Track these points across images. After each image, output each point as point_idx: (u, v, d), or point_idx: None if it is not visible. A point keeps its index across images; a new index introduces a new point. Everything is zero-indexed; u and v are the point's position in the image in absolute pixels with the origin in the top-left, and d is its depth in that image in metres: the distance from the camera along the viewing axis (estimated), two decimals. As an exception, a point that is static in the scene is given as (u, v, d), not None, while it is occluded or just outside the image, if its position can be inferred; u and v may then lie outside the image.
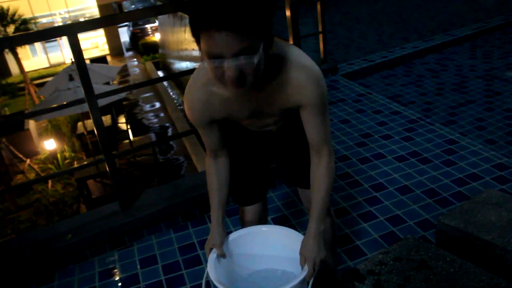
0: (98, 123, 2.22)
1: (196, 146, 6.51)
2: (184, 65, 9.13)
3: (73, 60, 2.16)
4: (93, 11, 18.11)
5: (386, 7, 8.87)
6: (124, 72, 14.63)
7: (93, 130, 2.44)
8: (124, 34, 20.00)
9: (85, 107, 2.25)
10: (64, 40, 15.43)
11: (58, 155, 7.31)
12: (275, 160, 1.64)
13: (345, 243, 2.17)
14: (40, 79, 14.24)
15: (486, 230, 1.75)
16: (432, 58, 5.11)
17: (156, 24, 16.20)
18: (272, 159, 1.64)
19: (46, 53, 18.52)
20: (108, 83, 7.67)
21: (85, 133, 6.43)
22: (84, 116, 6.51)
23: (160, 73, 12.54)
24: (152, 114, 9.85)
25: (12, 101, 12.43)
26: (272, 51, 1.14)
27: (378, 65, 4.86)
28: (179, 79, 9.04)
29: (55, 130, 9.04)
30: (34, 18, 15.72)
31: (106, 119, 7.15)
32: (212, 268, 1.29)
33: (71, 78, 5.94)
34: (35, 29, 14.32)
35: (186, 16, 8.03)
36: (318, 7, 4.17)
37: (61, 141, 8.24)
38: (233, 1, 0.95)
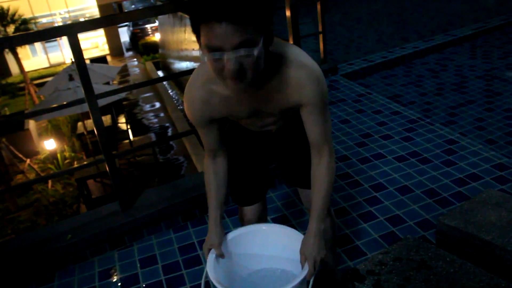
0: (98, 123, 2.22)
1: (196, 146, 6.50)
2: (184, 65, 9.13)
3: (73, 60, 2.16)
4: (93, 11, 18.11)
5: (386, 7, 8.87)
6: (124, 72, 14.63)
7: (93, 130, 2.44)
8: (124, 34, 20.00)
9: (85, 107, 2.25)
10: (64, 40, 15.43)
11: (58, 155, 7.31)
12: (274, 160, 1.64)
13: (345, 243, 2.17)
14: (40, 79, 14.24)
15: (486, 230, 1.75)
16: (432, 58, 5.11)
17: (156, 24, 16.20)
18: (272, 159, 1.64)
19: (46, 53, 18.52)
20: (108, 83, 7.68)
21: (85, 133, 6.43)
22: (84, 116, 6.51)
23: (160, 73, 12.53)
24: (152, 114, 9.85)
25: (12, 101, 12.43)
26: (272, 49, 1.14)
27: (378, 65, 4.86)
28: (179, 79, 9.04)
29: (55, 130, 9.04)
30: (34, 18, 15.72)
31: (106, 119, 7.15)
32: (211, 268, 1.29)
33: (71, 78, 5.95)
34: (35, 29, 14.33)
35: (186, 16, 8.03)
36: (318, 7, 4.18)
37: (61, 141, 8.24)
38: None
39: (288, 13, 2.76)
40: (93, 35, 19.25)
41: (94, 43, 19.46)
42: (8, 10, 12.82)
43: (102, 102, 4.95)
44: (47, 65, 17.85)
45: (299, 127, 1.43)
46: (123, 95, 8.39)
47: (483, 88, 4.08)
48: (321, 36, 4.32)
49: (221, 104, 1.25)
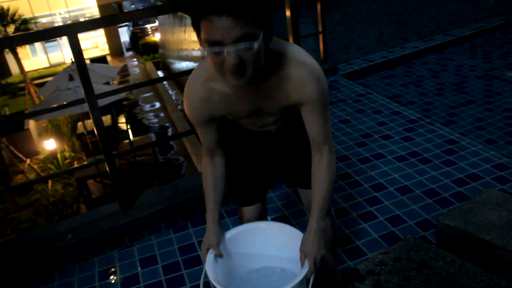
0: (98, 123, 2.22)
1: (196, 146, 6.50)
2: (184, 65, 9.13)
3: (73, 60, 2.16)
4: (93, 11, 18.10)
5: (386, 7, 8.87)
6: (124, 72, 14.63)
7: (93, 130, 2.44)
8: (124, 34, 19.99)
9: (85, 107, 2.25)
10: (64, 40, 15.43)
11: (58, 155, 7.31)
12: (274, 160, 1.64)
13: (345, 243, 2.17)
14: (40, 79, 14.23)
15: (486, 230, 1.75)
16: (432, 58, 5.11)
17: (156, 24, 16.20)
18: (272, 160, 1.64)
19: (46, 53, 18.51)
20: (108, 83, 7.67)
21: (85, 133, 6.42)
22: (84, 116, 6.51)
23: (160, 73, 12.53)
24: (152, 114, 9.85)
25: (12, 101, 12.43)
26: (272, 48, 1.14)
27: (378, 65, 4.86)
28: (179, 79, 9.04)
29: (55, 130, 9.03)
30: (34, 18, 15.71)
31: (106, 119, 7.14)
32: (210, 268, 1.28)
33: (71, 78, 5.94)
34: (35, 29, 14.32)
35: (186, 16, 8.04)
36: (318, 7, 4.18)
37: (61, 141, 8.24)
38: None
39: (288, 13, 2.76)
40: (93, 35, 19.24)
41: (94, 43, 19.46)
42: (8, 10, 12.82)
43: (102, 102, 4.95)
44: (47, 65, 17.85)
45: (299, 127, 1.42)
46: (123, 95, 8.39)
47: (483, 88, 4.08)
48: (321, 36, 4.32)
49: (221, 103, 1.24)
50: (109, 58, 15.22)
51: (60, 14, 19.21)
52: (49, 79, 8.77)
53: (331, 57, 5.15)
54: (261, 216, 1.66)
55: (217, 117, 1.31)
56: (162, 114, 9.55)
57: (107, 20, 2.75)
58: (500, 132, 3.23)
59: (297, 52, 1.20)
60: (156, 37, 15.49)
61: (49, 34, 2.29)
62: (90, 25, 2.27)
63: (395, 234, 2.18)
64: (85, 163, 4.21)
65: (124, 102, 9.90)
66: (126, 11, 14.04)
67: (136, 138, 7.74)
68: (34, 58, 18.83)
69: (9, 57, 14.73)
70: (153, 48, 14.99)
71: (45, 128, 9.42)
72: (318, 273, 1.78)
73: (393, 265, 1.64)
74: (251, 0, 0.97)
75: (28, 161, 7.29)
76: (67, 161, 7.40)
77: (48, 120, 8.80)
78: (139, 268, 2.22)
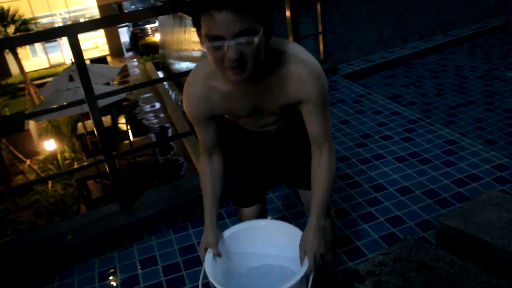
0: (98, 123, 2.22)
1: (196, 146, 6.49)
2: (184, 65, 9.12)
3: (73, 60, 2.16)
4: (93, 12, 18.10)
5: (386, 8, 8.87)
6: (124, 72, 14.62)
7: (93, 131, 2.44)
8: (124, 35, 19.99)
9: (85, 107, 2.25)
10: (64, 41, 15.43)
11: (58, 156, 7.31)
12: (274, 161, 1.64)
13: (345, 244, 2.17)
14: (40, 80, 14.23)
15: (486, 231, 1.74)
16: (432, 59, 5.11)
17: (156, 24, 16.20)
18: (272, 160, 1.64)
19: (46, 53, 18.50)
20: (108, 84, 7.67)
21: (85, 133, 6.42)
22: (84, 117, 6.51)
23: (160, 74, 12.53)
24: (152, 114, 9.84)
25: (12, 101, 12.42)
26: (272, 46, 1.14)
27: (378, 65, 4.86)
28: (179, 79, 9.04)
29: (55, 131, 9.03)
30: (34, 18, 15.69)
31: (106, 120, 7.14)
32: (209, 267, 1.28)
33: (71, 79, 5.94)
34: (35, 29, 14.33)
35: (186, 16, 8.04)
36: (318, 7, 4.18)
37: (61, 141, 8.23)
38: None
39: (288, 13, 2.76)
40: (93, 35, 19.24)
41: (94, 44, 19.45)
42: (8, 10, 12.82)
43: (102, 102, 4.95)
44: (47, 65, 17.84)
45: (299, 128, 1.42)
46: (123, 95, 8.38)
47: (483, 89, 4.08)
48: (321, 37, 4.32)
49: (221, 101, 1.24)
50: (109, 58, 15.21)
51: (60, 14, 19.21)
52: (49, 79, 8.78)
53: (331, 58, 5.15)
54: (261, 217, 1.66)
55: (217, 115, 1.31)
56: (162, 115, 9.55)
57: (107, 20, 2.75)
58: (500, 133, 3.23)
59: (297, 50, 1.20)
60: (156, 37, 15.49)
61: (49, 34, 2.28)
62: (90, 25, 2.27)
63: (395, 235, 2.18)
64: (85, 163, 4.22)
65: (124, 103, 9.90)
66: (126, 11, 14.05)
67: (136, 139, 7.73)
68: (34, 59, 18.84)
69: (9, 58, 14.73)
70: (153, 48, 14.99)
71: (45, 128, 9.42)
72: (318, 274, 1.78)
73: (393, 266, 1.64)
74: None
75: (28, 161, 7.29)
76: (67, 161, 7.40)
77: (48, 120, 8.80)
78: (139, 269, 2.21)
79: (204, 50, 1.06)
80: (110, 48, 17.42)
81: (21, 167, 7.21)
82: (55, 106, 2.55)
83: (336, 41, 6.30)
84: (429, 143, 2.99)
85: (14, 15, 12.92)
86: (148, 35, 17.57)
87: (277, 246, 1.40)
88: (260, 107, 1.27)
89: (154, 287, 2.09)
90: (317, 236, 1.28)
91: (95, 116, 2.20)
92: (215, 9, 0.97)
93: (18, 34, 11.71)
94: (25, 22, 13.23)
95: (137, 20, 15.79)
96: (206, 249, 1.34)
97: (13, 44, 2.72)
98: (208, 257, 1.31)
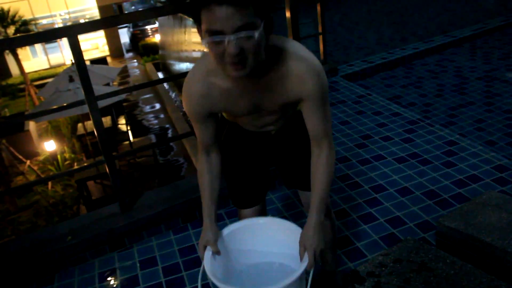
0: (98, 124, 2.22)
1: (196, 147, 6.49)
2: (184, 66, 9.12)
3: (73, 61, 2.17)
4: (93, 12, 18.12)
5: (386, 8, 8.87)
6: (124, 73, 14.63)
7: (93, 131, 2.44)
8: (124, 35, 19.99)
9: (85, 108, 2.25)
10: (64, 41, 15.42)
11: (58, 156, 7.31)
12: (274, 162, 1.64)
13: (345, 244, 2.17)
14: (40, 80, 14.23)
15: (486, 232, 1.74)
16: (432, 59, 5.11)
17: (156, 25, 16.20)
18: (271, 162, 1.64)
19: (46, 54, 18.52)
20: (108, 84, 7.67)
21: (85, 134, 6.42)
22: (84, 117, 6.51)
23: (160, 74, 12.53)
24: (152, 115, 9.85)
25: (12, 102, 12.43)
26: (272, 43, 1.15)
27: (378, 66, 4.87)
28: (179, 80, 9.03)
29: (55, 131, 9.03)
30: (35, 19, 15.71)
31: (106, 120, 7.14)
32: (208, 264, 1.27)
33: (71, 79, 5.95)
34: (36, 30, 14.33)
35: (186, 17, 8.04)
36: (318, 8, 4.18)
37: (61, 142, 8.23)
38: None
39: (288, 14, 2.76)
40: (93, 36, 19.25)
41: (94, 44, 19.47)
42: (8, 11, 12.84)
43: (102, 103, 4.94)
44: (47, 66, 17.85)
45: (299, 129, 1.42)
46: (123, 96, 8.38)
47: (483, 89, 4.08)
48: (321, 37, 4.33)
49: (220, 98, 1.23)
50: (109, 59, 15.22)
51: (60, 15, 19.23)
52: (49, 80, 8.78)
53: (331, 58, 5.15)
54: (261, 218, 1.66)
55: (216, 113, 1.31)
56: (162, 115, 9.55)
57: (107, 21, 2.75)
58: (500, 133, 3.23)
59: (297, 48, 1.20)
60: (156, 38, 15.50)
61: (49, 35, 2.29)
62: (90, 26, 2.27)
63: (395, 236, 2.18)
64: (85, 164, 4.21)
65: (124, 103, 9.90)
66: (126, 12, 14.05)
67: (136, 139, 7.73)
68: (34, 59, 18.86)
69: (9, 58, 14.75)
70: (153, 49, 14.99)
71: (45, 129, 9.42)
72: (318, 275, 1.78)
73: (393, 267, 1.64)
74: None
75: (28, 162, 7.29)
76: (67, 162, 7.40)
77: (48, 121, 8.80)
78: (139, 270, 2.21)
79: (204, 47, 1.06)
80: (110, 49, 17.43)
81: (21, 167, 7.21)
82: (55, 106, 2.55)
83: (336, 42, 6.30)
84: (429, 144, 2.99)
85: (14, 16, 12.94)
86: (148, 36, 17.58)
87: (277, 244, 1.40)
88: (259, 105, 1.27)
89: (154, 288, 2.09)
90: (317, 232, 1.27)
91: (95, 116, 2.20)
92: (216, 3, 0.97)
93: (18, 35, 11.72)
94: (25, 23, 13.25)
95: (137, 21, 15.80)
96: (205, 247, 1.33)
97: (13, 45, 2.73)
98: (207, 255, 1.31)
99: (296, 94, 1.20)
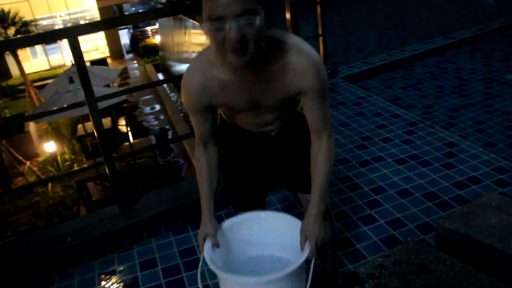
0: (98, 125, 2.22)
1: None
2: (184, 67, 9.11)
3: (74, 62, 2.17)
4: (94, 13, 18.13)
5: (385, 10, 8.88)
6: (124, 74, 14.63)
7: (93, 132, 2.44)
8: (125, 36, 20.00)
9: (85, 109, 2.25)
10: (64, 42, 15.40)
11: (58, 157, 7.31)
12: (274, 164, 1.64)
13: (345, 246, 2.17)
14: (41, 81, 14.22)
15: (486, 234, 1.74)
16: (432, 61, 5.12)
17: (157, 26, 16.21)
18: (271, 164, 1.63)
19: (46, 55, 18.52)
20: (108, 86, 7.67)
21: (85, 135, 6.42)
22: (84, 118, 6.50)
23: (160, 76, 12.54)
24: (152, 116, 9.85)
25: (13, 103, 12.43)
26: (272, 36, 1.15)
27: (378, 67, 4.87)
28: (179, 81, 9.00)
29: (55, 132, 9.03)
30: (35, 20, 15.73)
31: (106, 122, 7.14)
32: (208, 256, 1.27)
33: (71, 80, 5.94)
34: (36, 31, 14.34)
35: (186, 18, 8.05)
36: (318, 9, 4.18)
37: (61, 143, 8.23)
38: None
39: (288, 15, 2.76)
40: (93, 37, 19.25)
41: (95, 45, 19.47)
42: (8, 12, 12.85)
43: (102, 104, 4.95)
44: (47, 67, 17.85)
45: (298, 131, 1.42)
46: (123, 97, 8.38)
47: (483, 91, 4.08)
48: (321, 39, 4.33)
49: (219, 90, 1.23)
50: (109, 60, 15.23)
51: (60, 16, 19.24)
52: (50, 81, 8.78)
53: (331, 60, 5.16)
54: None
55: (215, 105, 1.31)
56: (162, 117, 9.55)
57: (108, 22, 2.75)
58: (500, 135, 3.23)
59: (297, 41, 1.21)
60: (156, 39, 15.51)
61: (49, 36, 2.29)
62: (91, 28, 2.27)
63: (395, 237, 2.18)
64: (85, 165, 4.21)
65: (124, 105, 9.91)
66: (126, 13, 14.07)
67: (136, 141, 7.73)
68: (35, 60, 18.86)
69: (10, 59, 14.76)
70: (153, 50, 15.00)
71: (45, 130, 9.42)
72: (318, 277, 1.78)
73: (393, 269, 1.64)
74: None
75: (28, 163, 7.29)
76: (67, 163, 7.40)
77: (48, 122, 8.79)
78: (139, 271, 2.21)
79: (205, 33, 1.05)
80: (110, 50, 17.44)
81: (21, 168, 7.21)
82: (55, 108, 2.55)
83: (336, 44, 6.31)
84: (429, 146, 2.99)
85: (14, 17, 12.95)
86: (148, 37, 17.60)
87: (277, 236, 1.39)
88: (259, 100, 1.26)
89: (154, 289, 2.09)
90: (318, 222, 1.28)
91: (95, 118, 2.20)
92: None
93: (18, 36, 11.73)
94: (26, 24, 13.26)
95: (137, 22, 15.81)
96: (204, 239, 1.33)
97: (14, 46, 2.73)
98: (207, 246, 1.30)
99: (296, 87, 1.21)
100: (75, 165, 7.17)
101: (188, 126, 7.43)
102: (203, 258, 1.29)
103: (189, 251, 2.30)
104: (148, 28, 17.84)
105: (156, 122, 9.47)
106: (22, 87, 12.77)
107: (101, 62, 11.52)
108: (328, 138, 1.31)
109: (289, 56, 1.17)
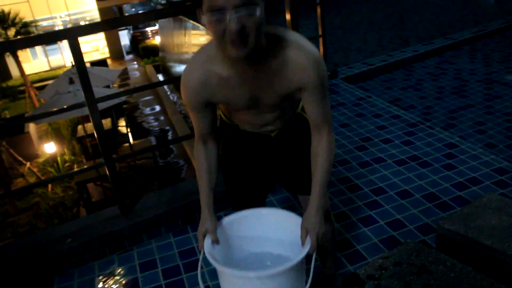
0: (98, 126, 2.22)
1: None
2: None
3: (74, 63, 2.17)
4: (94, 14, 18.13)
5: (385, 11, 8.89)
6: (124, 75, 14.63)
7: (93, 133, 2.45)
8: (125, 37, 20.01)
9: (85, 110, 2.25)
10: (64, 43, 15.43)
11: (58, 158, 7.31)
12: (274, 166, 1.64)
13: (345, 247, 2.16)
14: (41, 82, 14.22)
15: (486, 235, 1.74)
16: (432, 62, 5.12)
17: (157, 27, 16.22)
18: (271, 166, 1.63)
19: (46, 56, 18.52)
20: (108, 86, 7.67)
21: (85, 136, 6.42)
22: (84, 119, 6.50)
23: (160, 77, 12.54)
24: (152, 117, 9.85)
25: (13, 104, 12.43)
26: (272, 32, 1.16)
27: (378, 68, 4.87)
28: (179, 82, 8.99)
29: (55, 133, 9.02)
30: (35, 21, 15.75)
31: (106, 122, 7.13)
32: (208, 251, 1.26)
33: (71, 81, 5.94)
34: (36, 32, 14.35)
35: (187, 19, 8.05)
36: (318, 10, 4.18)
37: (61, 144, 8.23)
38: None
39: (288, 16, 2.76)
40: (93, 38, 19.25)
41: (95, 46, 19.47)
42: (9, 13, 12.86)
43: (102, 105, 4.94)
44: (47, 68, 17.85)
45: (299, 133, 1.42)
46: (123, 98, 8.38)
47: (483, 92, 4.09)
48: (321, 40, 4.32)
49: (219, 87, 1.23)
50: (109, 61, 15.23)
51: (60, 17, 19.24)
52: (50, 82, 8.78)
53: (331, 61, 5.16)
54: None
55: (215, 102, 1.31)
56: (162, 118, 9.55)
57: (108, 23, 2.76)
58: (500, 136, 3.23)
59: (297, 37, 1.21)
60: (156, 40, 15.51)
61: (50, 37, 2.29)
62: (91, 28, 2.27)
63: (395, 239, 2.18)
64: (85, 166, 4.21)
65: (124, 105, 9.91)
66: (126, 14, 14.07)
67: (136, 142, 7.74)
68: (35, 61, 18.86)
69: (10, 60, 14.76)
70: (153, 51, 15.01)
71: (45, 131, 9.42)
72: (318, 279, 1.78)
73: (393, 270, 1.64)
74: None
75: (28, 164, 7.29)
76: (67, 164, 7.40)
77: (48, 123, 8.79)
78: (139, 272, 2.21)
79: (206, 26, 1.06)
80: (110, 51, 17.45)
81: (21, 169, 7.21)
82: (55, 109, 2.55)
83: (336, 44, 6.31)
84: (429, 147, 2.99)
85: (14, 18, 12.96)
86: (148, 38, 17.60)
87: (277, 233, 1.39)
88: (259, 97, 1.26)
89: (154, 290, 2.09)
90: (319, 216, 1.28)
91: (95, 119, 2.20)
92: None
93: (18, 37, 11.74)
94: (26, 24, 13.27)
95: (137, 23, 15.81)
96: (204, 236, 1.32)
97: (14, 47, 2.73)
98: (207, 242, 1.30)
99: (296, 83, 1.21)
100: (75, 166, 7.17)
101: (188, 127, 7.43)
102: (203, 254, 1.28)
103: (189, 252, 2.30)
104: (148, 29, 17.85)
105: (156, 123, 9.47)
106: (22, 88, 12.77)
107: (101, 63, 11.53)
108: (328, 132, 1.32)
109: (289, 52, 1.17)
